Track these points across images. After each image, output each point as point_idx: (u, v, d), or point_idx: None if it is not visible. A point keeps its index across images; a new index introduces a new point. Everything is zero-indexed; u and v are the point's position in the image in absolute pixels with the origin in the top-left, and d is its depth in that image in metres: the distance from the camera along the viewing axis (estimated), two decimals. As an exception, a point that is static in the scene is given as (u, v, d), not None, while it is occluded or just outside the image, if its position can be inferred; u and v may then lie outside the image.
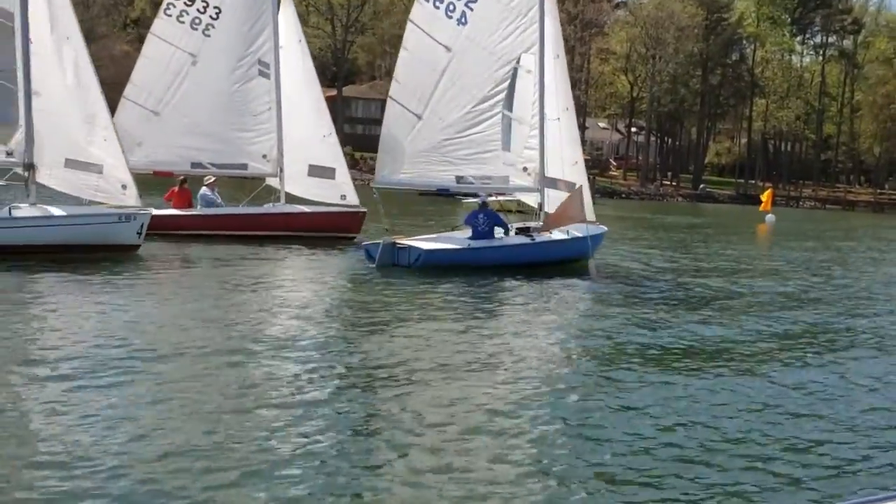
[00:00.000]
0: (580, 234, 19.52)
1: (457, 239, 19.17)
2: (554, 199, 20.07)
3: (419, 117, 19.60)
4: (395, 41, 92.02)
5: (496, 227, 19.20)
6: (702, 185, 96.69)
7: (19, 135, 17.20)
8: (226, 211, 22.82)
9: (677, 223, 47.35)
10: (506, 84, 19.77)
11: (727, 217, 60.01)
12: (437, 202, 41.48)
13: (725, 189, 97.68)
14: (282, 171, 22.90)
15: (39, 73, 17.10)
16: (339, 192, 23.93)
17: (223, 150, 22.06)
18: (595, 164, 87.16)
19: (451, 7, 19.46)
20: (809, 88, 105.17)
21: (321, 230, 22.84)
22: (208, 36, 22.29)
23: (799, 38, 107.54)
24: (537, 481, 6.80)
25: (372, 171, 23.91)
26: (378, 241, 18.35)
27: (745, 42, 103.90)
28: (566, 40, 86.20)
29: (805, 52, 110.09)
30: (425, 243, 18.52)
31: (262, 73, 22.34)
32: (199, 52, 22.28)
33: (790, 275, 22.32)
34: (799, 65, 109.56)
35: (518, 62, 19.79)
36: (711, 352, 12.11)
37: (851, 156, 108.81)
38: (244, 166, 22.53)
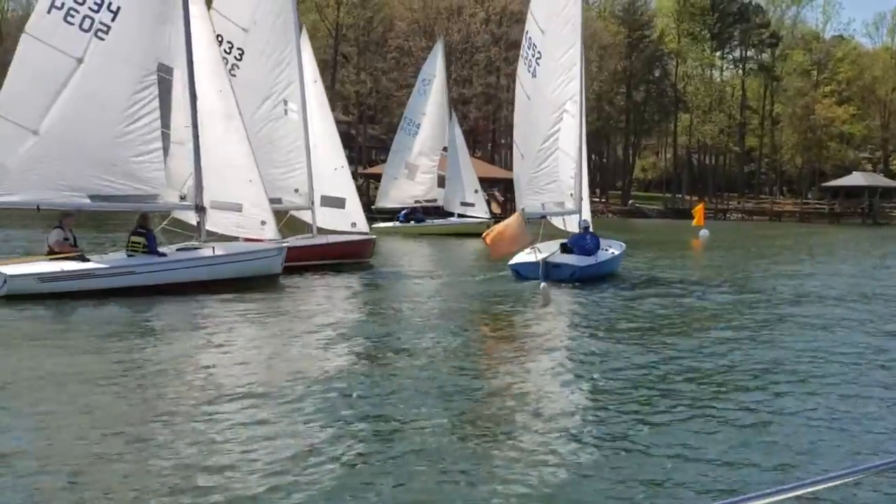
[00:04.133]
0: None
1: (585, 257, 23.88)
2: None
3: (523, 156, 24.64)
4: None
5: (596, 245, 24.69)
6: (631, 201, 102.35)
7: (190, 181, 20.02)
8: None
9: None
10: (559, 125, 24.78)
11: (661, 233, 62.49)
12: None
13: (654, 204, 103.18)
14: (313, 203, 26.08)
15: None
16: (350, 220, 27.65)
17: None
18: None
19: (529, 62, 24.64)
20: (731, 102, 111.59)
21: (345, 257, 26.02)
22: (234, 76, 24.14)
23: (719, 53, 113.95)
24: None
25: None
26: (535, 261, 22.27)
27: (667, 58, 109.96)
28: (491, 62, 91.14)
29: (725, 66, 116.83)
30: (577, 260, 23.38)
31: (288, 111, 25.37)
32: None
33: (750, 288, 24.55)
34: (720, 79, 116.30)
35: (565, 107, 24.87)
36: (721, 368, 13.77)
37: (773, 167, 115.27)
38: (279, 200, 24.88)
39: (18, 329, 14.87)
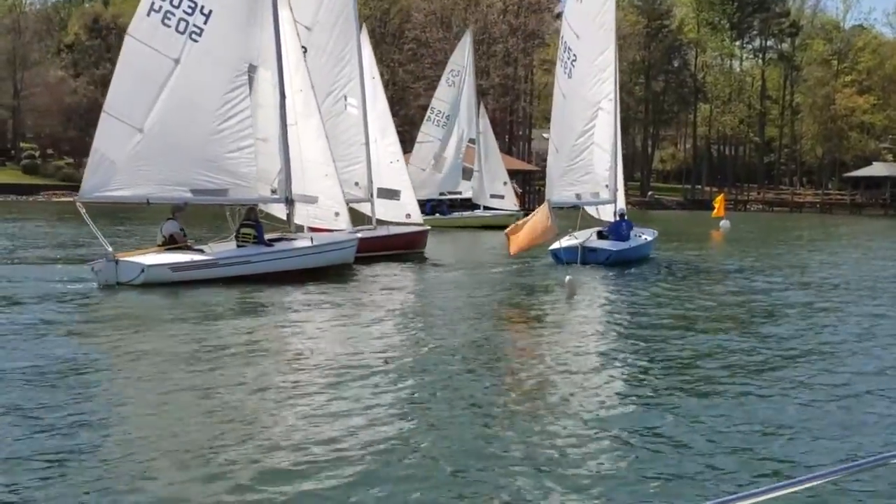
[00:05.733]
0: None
1: (618, 242, 26.26)
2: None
3: (557, 150, 26.43)
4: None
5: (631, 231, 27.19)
6: (650, 193, 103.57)
7: (281, 175, 21.80)
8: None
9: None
10: (595, 122, 27.06)
11: (681, 224, 63.13)
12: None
13: (673, 195, 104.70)
14: (373, 196, 27.88)
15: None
16: (405, 211, 29.56)
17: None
18: (543, 175, 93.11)
19: (566, 65, 26.53)
20: (751, 92, 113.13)
21: (405, 248, 27.74)
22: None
23: (738, 43, 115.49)
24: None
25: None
26: (574, 246, 24.40)
27: (686, 48, 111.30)
28: (509, 53, 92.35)
29: (745, 56, 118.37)
30: (611, 244, 25.71)
31: (347, 107, 27.18)
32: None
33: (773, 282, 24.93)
34: (739, 69, 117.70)
35: (600, 105, 27.07)
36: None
37: (793, 157, 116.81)
38: (340, 193, 27.33)
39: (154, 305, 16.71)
